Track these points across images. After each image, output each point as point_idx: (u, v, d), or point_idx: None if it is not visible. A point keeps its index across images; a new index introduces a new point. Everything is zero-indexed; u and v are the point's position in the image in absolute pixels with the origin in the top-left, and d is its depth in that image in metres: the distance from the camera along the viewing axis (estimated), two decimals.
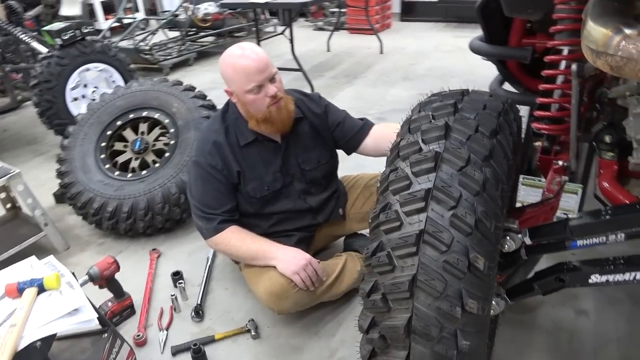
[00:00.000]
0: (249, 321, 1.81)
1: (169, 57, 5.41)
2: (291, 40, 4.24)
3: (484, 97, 1.17)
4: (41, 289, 1.31)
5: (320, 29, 7.25)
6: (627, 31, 0.72)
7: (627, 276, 1.02)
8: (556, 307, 1.80)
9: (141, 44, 5.26)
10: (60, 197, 2.71)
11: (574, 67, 1.31)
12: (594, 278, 1.06)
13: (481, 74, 4.66)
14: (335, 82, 4.72)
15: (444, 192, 0.97)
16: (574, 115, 1.38)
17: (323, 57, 5.75)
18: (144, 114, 2.53)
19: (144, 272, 2.13)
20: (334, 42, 6.01)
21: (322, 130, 1.85)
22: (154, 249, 2.27)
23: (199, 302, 1.91)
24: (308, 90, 2.79)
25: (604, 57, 0.74)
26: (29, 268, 1.42)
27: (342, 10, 6.09)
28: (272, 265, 1.67)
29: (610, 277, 1.04)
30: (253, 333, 1.76)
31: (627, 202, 1.25)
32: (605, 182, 1.34)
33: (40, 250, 2.30)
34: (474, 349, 0.97)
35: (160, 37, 5.85)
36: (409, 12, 7.54)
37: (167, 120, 2.48)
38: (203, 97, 2.58)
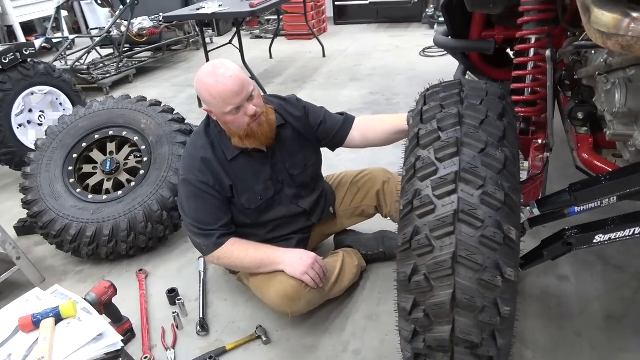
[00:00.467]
0: (257, 328, 1.81)
1: (107, 75, 5.19)
2: (241, 50, 4.24)
3: (482, 85, 1.27)
4: (58, 319, 1.25)
5: (258, 37, 7.26)
6: (634, 14, 0.83)
7: (627, 232, 1.16)
8: (540, 276, 1.95)
9: (77, 63, 5.02)
10: (22, 229, 2.55)
11: (548, 52, 1.45)
12: (599, 238, 1.19)
13: (422, 70, 4.93)
14: (285, 87, 4.77)
15: (471, 173, 1.05)
16: (550, 96, 1.52)
17: (267, 64, 5.78)
18: (111, 133, 2.44)
19: (134, 294, 2.06)
20: (274, 49, 6.04)
21: (305, 132, 1.86)
22: (140, 270, 2.20)
23: (201, 316, 1.88)
24: None
25: (615, 38, 0.85)
26: (35, 300, 1.35)
27: (279, 17, 6.14)
28: (279, 270, 1.68)
29: (613, 235, 1.17)
30: (264, 339, 1.76)
31: (609, 169, 1.41)
32: (584, 154, 1.49)
33: (13, 287, 2.15)
34: (512, 313, 1.06)
35: (92, 55, 5.60)
36: (342, 16, 7.73)
37: (136, 138, 2.41)
38: (171, 110, 2.53)
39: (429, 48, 5.42)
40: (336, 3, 7.57)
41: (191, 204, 1.72)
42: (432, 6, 6.98)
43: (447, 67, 4.88)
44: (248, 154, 1.74)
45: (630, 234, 1.16)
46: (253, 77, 4.23)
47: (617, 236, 1.17)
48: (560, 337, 1.68)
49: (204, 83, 1.57)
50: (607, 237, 1.18)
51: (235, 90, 1.54)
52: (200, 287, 2.05)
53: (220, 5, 4.00)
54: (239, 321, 1.89)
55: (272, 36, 6.13)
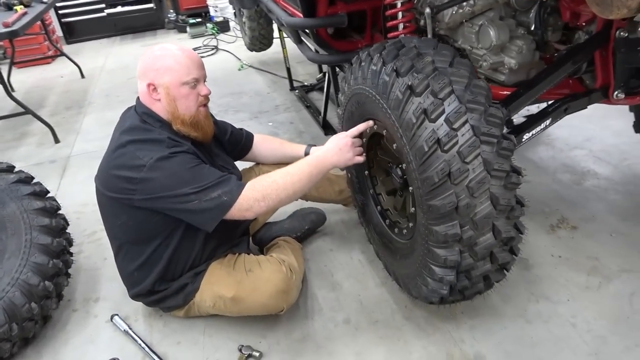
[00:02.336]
0: (240, 349, 1.65)
1: None
2: (5, 83, 3.40)
3: (429, 41, 1.46)
4: None
5: None
6: None
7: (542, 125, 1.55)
8: None
9: None
10: None
11: (428, 10, 1.75)
12: (526, 136, 1.55)
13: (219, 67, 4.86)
14: (62, 117, 4.07)
15: (472, 102, 1.24)
16: None
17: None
18: None
19: None
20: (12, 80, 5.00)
21: (221, 138, 1.88)
22: None
23: None
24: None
25: None
26: None
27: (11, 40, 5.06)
28: (329, 169, 1.62)
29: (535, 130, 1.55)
30: (256, 354, 1.63)
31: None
32: None
33: None
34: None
35: None
36: (73, 33, 6.86)
37: None
38: None
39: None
40: (63, 20, 6.67)
41: (183, 174, 1.45)
42: (172, 11, 6.89)
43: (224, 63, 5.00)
44: (196, 146, 1.61)
45: (546, 125, 1.55)
46: (29, 111, 3.49)
47: (537, 130, 1.56)
48: None
49: (169, 52, 1.53)
50: (530, 133, 1.55)
51: (200, 63, 1.58)
52: (141, 343, 1.71)
53: None
54: (214, 354, 1.68)
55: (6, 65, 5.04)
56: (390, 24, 1.92)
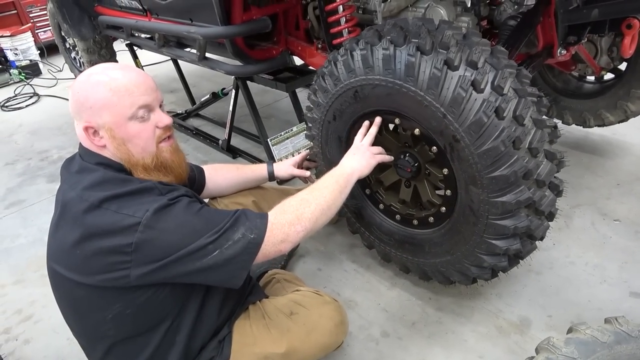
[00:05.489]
0: None
1: None
2: None
3: (426, 19, 1.41)
4: None
5: None
6: None
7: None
8: None
9: None
10: None
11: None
12: None
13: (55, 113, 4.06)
14: None
15: (508, 67, 1.25)
16: None
17: None
18: None
19: None
20: None
21: None
22: None
23: None
24: None
25: None
26: None
27: None
28: (356, 178, 1.42)
29: None
30: None
31: None
32: None
33: None
34: None
35: None
36: None
37: None
38: None
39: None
40: None
41: (193, 223, 1.11)
42: None
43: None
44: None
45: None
46: None
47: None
48: None
49: (101, 78, 1.12)
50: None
51: (148, 83, 1.17)
52: None
53: None
54: None
55: None
56: (331, 19, 1.83)
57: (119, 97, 1.10)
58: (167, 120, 1.20)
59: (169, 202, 1.10)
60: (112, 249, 1.05)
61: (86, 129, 1.13)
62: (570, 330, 1.13)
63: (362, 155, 1.45)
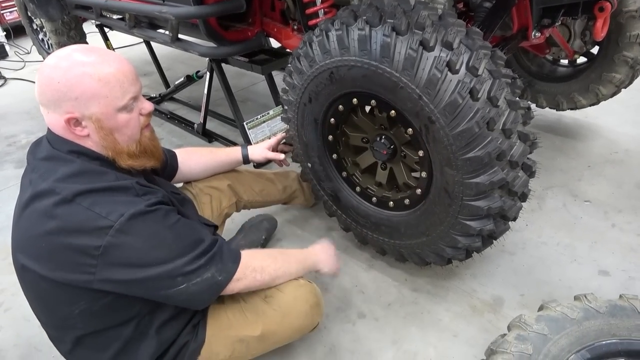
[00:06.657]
0: None
1: None
2: None
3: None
4: None
5: None
6: None
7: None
8: None
9: None
10: None
11: None
12: None
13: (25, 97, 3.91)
14: None
15: (482, 48, 1.25)
16: None
17: None
18: None
19: None
20: None
21: None
22: None
23: None
24: None
25: None
26: None
27: None
28: (315, 268, 1.46)
29: None
30: None
31: None
32: None
33: None
34: None
35: None
36: None
37: None
38: None
39: None
40: None
41: (166, 234, 1.09)
42: None
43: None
44: (150, 180, 1.27)
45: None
46: None
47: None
48: None
49: (87, 70, 1.05)
50: None
51: (134, 72, 1.13)
52: None
53: None
54: None
55: None
56: (310, 10, 1.80)
57: (109, 89, 1.06)
58: (149, 106, 1.18)
59: (146, 210, 1.07)
60: (79, 248, 1.02)
61: (68, 120, 1.07)
62: (541, 308, 1.15)
63: (330, 255, 1.50)
